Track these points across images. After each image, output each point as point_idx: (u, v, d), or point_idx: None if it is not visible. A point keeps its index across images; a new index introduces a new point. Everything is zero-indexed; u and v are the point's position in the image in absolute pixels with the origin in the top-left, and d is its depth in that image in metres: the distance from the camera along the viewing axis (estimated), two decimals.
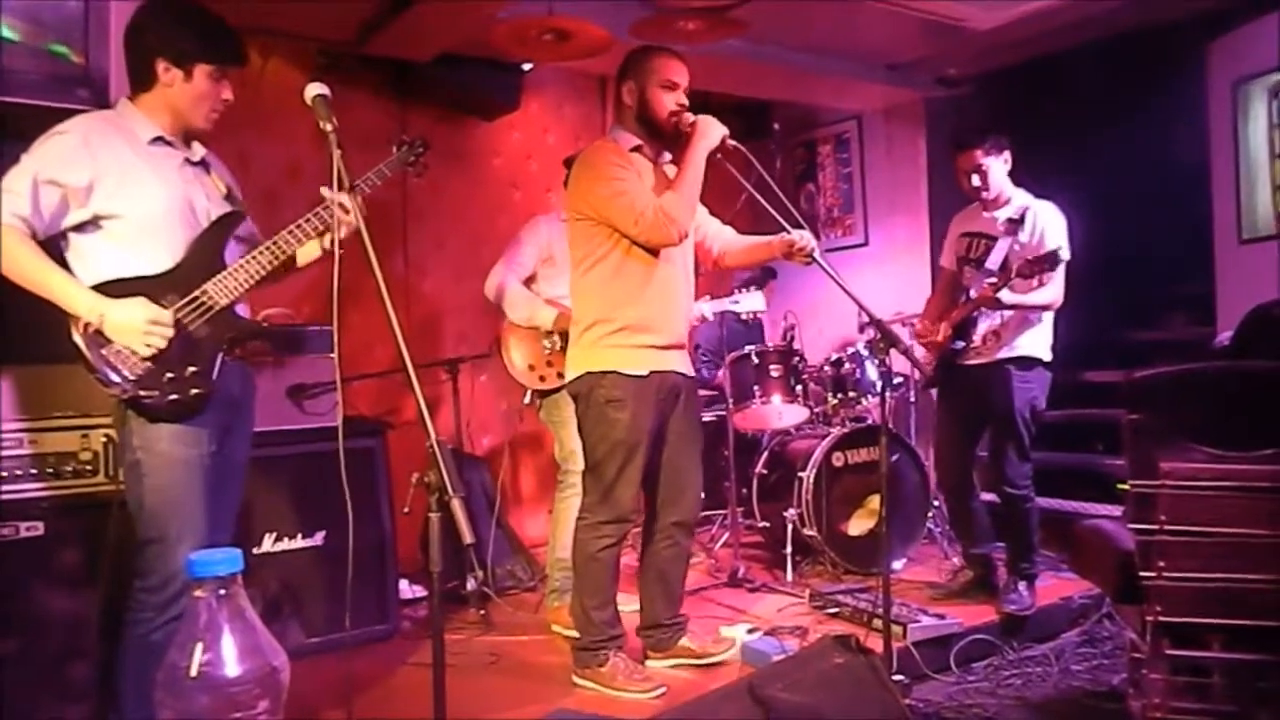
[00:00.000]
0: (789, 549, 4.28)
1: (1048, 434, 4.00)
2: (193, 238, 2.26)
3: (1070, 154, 5.33)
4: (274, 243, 2.30)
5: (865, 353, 4.58)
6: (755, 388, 4.50)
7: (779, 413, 4.60)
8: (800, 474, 4.30)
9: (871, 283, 5.46)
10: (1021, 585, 3.63)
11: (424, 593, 3.96)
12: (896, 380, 4.83)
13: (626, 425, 2.91)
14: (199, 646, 1.26)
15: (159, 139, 2.26)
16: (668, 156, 3.09)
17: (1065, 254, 3.39)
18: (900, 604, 3.42)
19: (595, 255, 2.96)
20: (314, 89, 2.00)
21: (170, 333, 2.15)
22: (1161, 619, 2.31)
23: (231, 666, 1.26)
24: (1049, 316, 3.63)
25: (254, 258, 2.28)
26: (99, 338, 2.12)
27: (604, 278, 2.96)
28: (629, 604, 3.24)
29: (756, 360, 4.53)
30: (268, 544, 3.30)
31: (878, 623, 3.02)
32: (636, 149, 3.01)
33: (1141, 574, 2.33)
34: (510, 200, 5.30)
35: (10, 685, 2.45)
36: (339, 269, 1.96)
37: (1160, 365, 2.46)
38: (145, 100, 2.26)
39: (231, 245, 2.35)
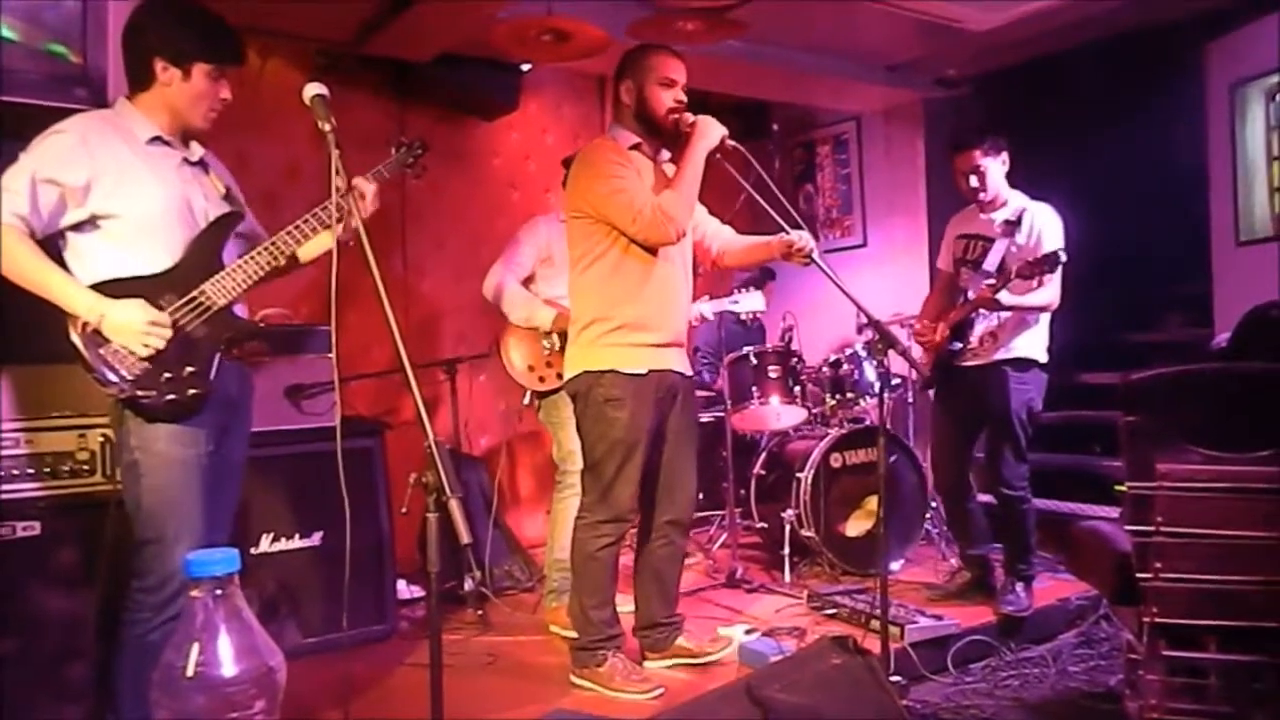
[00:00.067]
0: (787, 550, 4.28)
1: (1045, 435, 4.00)
2: (191, 238, 2.26)
3: (1068, 155, 5.33)
4: (272, 243, 2.30)
5: (863, 354, 4.58)
6: (753, 389, 4.50)
7: (777, 414, 4.60)
8: (798, 475, 4.30)
9: (870, 284, 5.46)
10: (1019, 586, 3.63)
11: (421, 593, 3.96)
12: (894, 381, 4.83)
13: (625, 424, 2.91)
14: (195, 646, 1.26)
15: (157, 139, 2.26)
16: (667, 155, 3.10)
17: (1063, 255, 3.40)
18: (898, 605, 3.42)
19: (594, 253, 2.96)
20: (313, 89, 2.00)
21: (168, 334, 2.15)
22: (1158, 620, 2.32)
23: (228, 666, 1.26)
24: (1045, 318, 3.63)
25: (252, 258, 2.28)
26: (97, 337, 2.12)
27: (602, 276, 2.96)
28: (624, 605, 3.24)
29: (755, 361, 4.53)
30: (265, 544, 3.30)
31: (875, 624, 3.02)
32: (635, 147, 3.01)
33: (1138, 575, 2.33)
34: (509, 200, 5.30)
35: (8, 685, 2.45)
36: (337, 269, 1.96)
37: (1157, 367, 2.46)
38: (143, 100, 2.26)
39: (230, 245, 2.35)
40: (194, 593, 1.29)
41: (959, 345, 3.64)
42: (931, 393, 3.92)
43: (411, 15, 3.97)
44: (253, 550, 3.25)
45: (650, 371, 2.95)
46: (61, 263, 2.16)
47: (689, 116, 2.95)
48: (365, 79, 4.71)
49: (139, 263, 2.19)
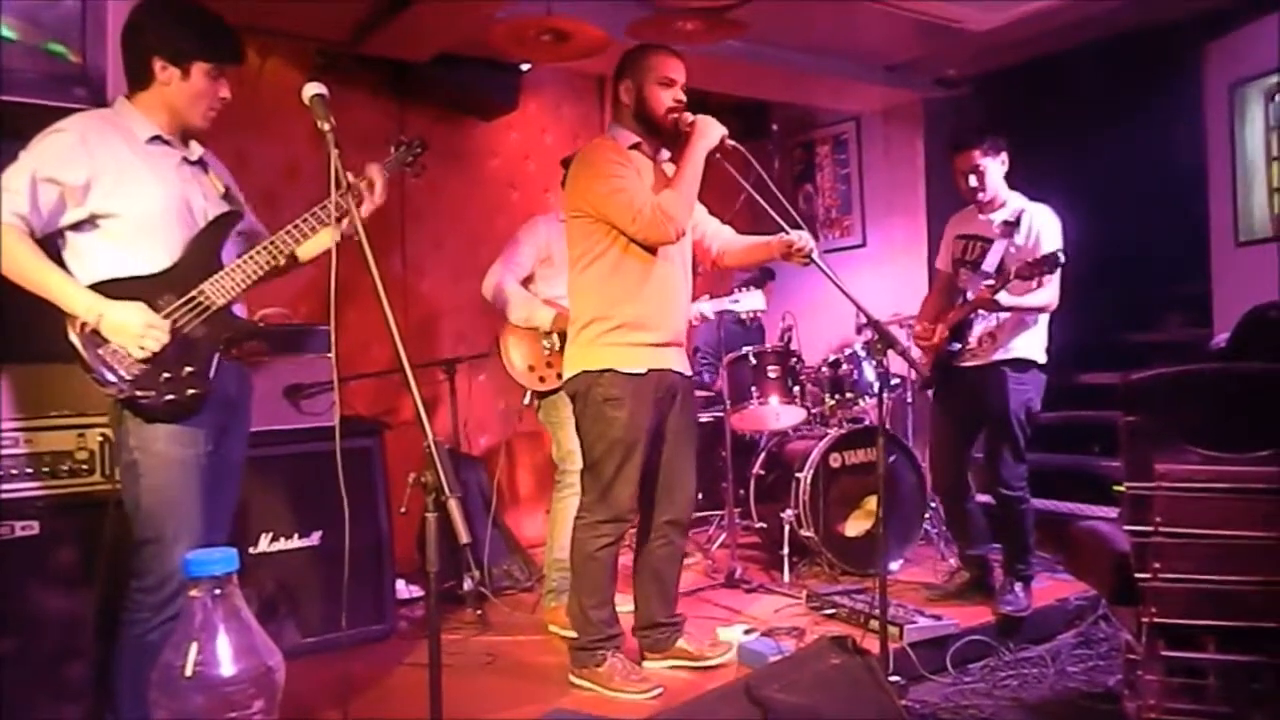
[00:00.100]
0: (786, 550, 4.28)
1: (1044, 435, 4.00)
2: (190, 237, 2.26)
3: (1068, 155, 5.33)
4: (271, 242, 2.30)
5: (863, 354, 4.58)
6: (753, 389, 4.51)
7: (776, 414, 4.60)
8: (797, 475, 4.30)
9: (869, 284, 5.46)
10: (1017, 586, 3.63)
11: (420, 593, 3.96)
12: (894, 381, 4.83)
13: (624, 424, 2.91)
14: (194, 646, 1.26)
15: (157, 138, 2.25)
16: (666, 154, 3.10)
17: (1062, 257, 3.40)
18: (897, 605, 3.42)
19: (593, 253, 2.96)
20: (312, 89, 1.99)
21: (165, 338, 2.15)
22: (1157, 620, 2.32)
23: (226, 666, 1.26)
24: (1044, 319, 3.63)
25: (251, 257, 2.28)
26: (96, 338, 2.11)
27: (602, 275, 2.96)
28: (624, 605, 3.24)
29: (754, 361, 4.53)
30: (264, 544, 3.30)
31: (874, 624, 3.02)
32: (635, 147, 3.01)
33: (1137, 575, 2.33)
34: (508, 200, 5.30)
35: (6, 685, 2.45)
36: (336, 268, 1.96)
37: (1156, 367, 2.46)
38: (143, 99, 2.26)
39: (230, 244, 2.35)
40: (192, 592, 1.29)
41: (958, 346, 3.64)
42: (930, 393, 3.92)
43: (410, 15, 3.97)
44: (252, 550, 3.25)
45: (649, 371, 2.95)
46: (60, 262, 2.16)
47: (688, 116, 2.95)
48: (364, 79, 4.71)
49: (138, 262, 2.19)
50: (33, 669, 2.49)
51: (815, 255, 2.99)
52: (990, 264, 3.58)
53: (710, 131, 2.91)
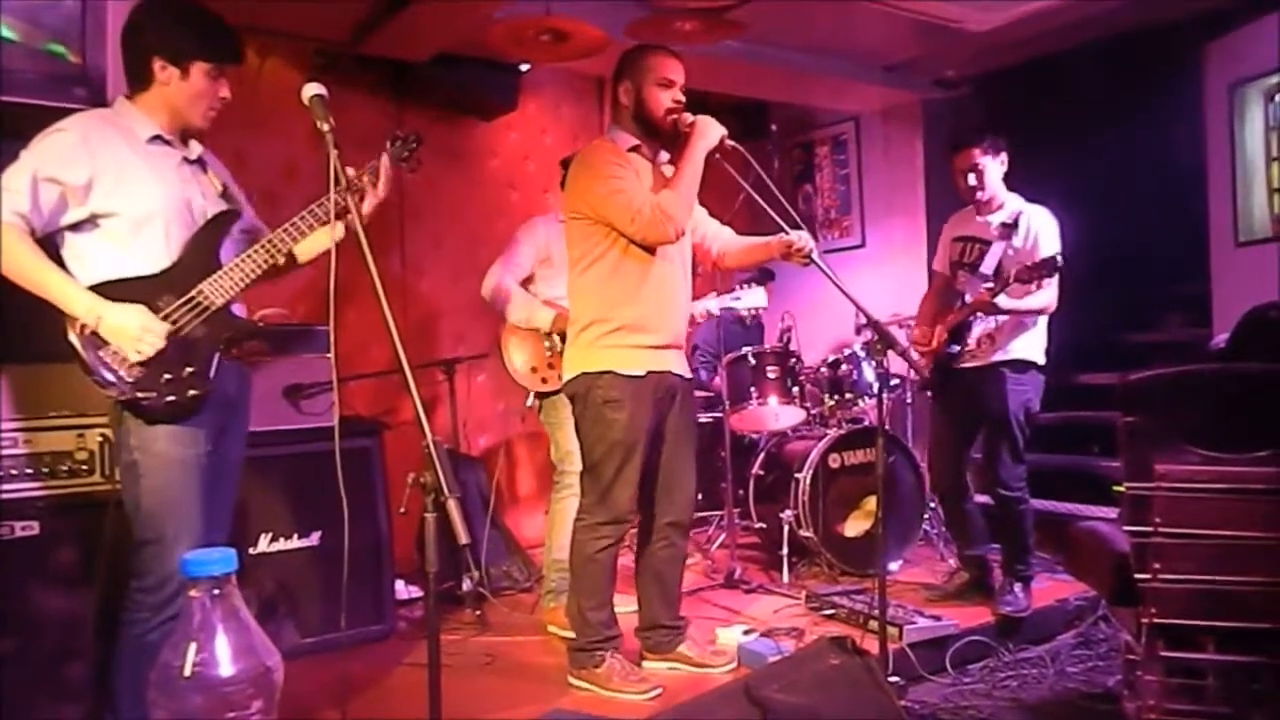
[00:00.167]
0: (785, 550, 4.28)
1: (1044, 436, 4.00)
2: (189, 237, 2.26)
3: (1068, 155, 5.34)
4: (269, 241, 2.30)
5: (862, 354, 4.58)
6: (752, 389, 4.51)
7: (776, 414, 4.60)
8: (797, 475, 4.30)
9: (868, 284, 5.46)
10: (1017, 587, 3.63)
11: (420, 593, 3.95)
12: (893, 382, 4.83)
13: (624, 426, 2.91)
14: (193, 646, 1.26)
15: (157, 138, 2.26)
16: (665, 156, 3.09)
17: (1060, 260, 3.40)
18: (896, 605, 3.42)
19: (593, 254, 2.96)
20: (311, 89, 1.99)
21: (162, 343, 2.14)
22: (1156, 621, 2.32)
23: (225, 666, 1.26)
24: (1043, 320, 3.63)
25: (249, 256, 2.28)
26: (95, 339, 2.11)
27: (601, 277, 2.96)
28: (626, 605, 3.24)
29: (753, 361, 4.53)
30: (263, 544, 3.30)
31: (874, 624, 3.02)
32: (634, 148, 3.01)
33: (1137, 576, 2.33)
34: (508, 201, 5.30)
35: (6, 685, 2.45)
36: (336, 269, 1.96)
37: (1156, 367, 2.46)
38: (143, 99, 2.26)
39: (229, 243, 2.35)
40: (191, 592, 1.29)
41: (957, 348, 3.64)
42: (930, 394, 3.92)
43: (408, 15, 3.97)
44: (251, 550, 3.25)
45: (649, 373, 2.95)
46: (60, 262, 2.16)
47: (688, 116, 2.95)
48: (363, 79, 4.71)
49: (138, 262, 2.19)
50: (33, 669, 2.49)
51: (815, 255, 2.99)
52: (988, 266, 3.58)
53: (709, 132, 2.91)
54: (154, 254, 2.20)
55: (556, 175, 3.87)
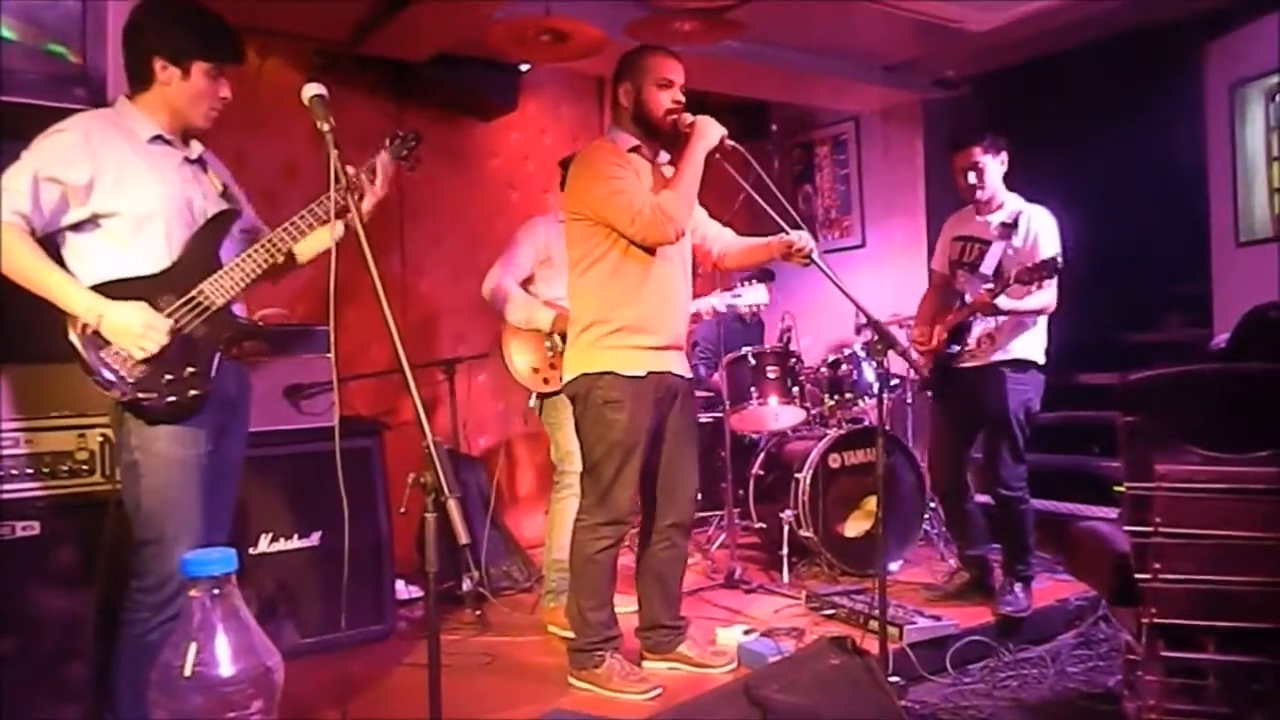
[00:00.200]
0: (785, 550, 4.28)
1: (1044, 436, 4.00)
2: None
3: (1068, 155, 5.34)
4: (269, 240, 2.30)
5: (862, 354, 4.58)
6: (752, 389, 4.51)
7: (776, 414, 4.60)
8: (797, 475, 4.30)
9: (868, 284, 5.46)
10: (1017, 587, 3.63)
11: (420, 593, 3.96)
12: (893, 382, 4.83)
13: (624, 426, 2.91)
14: (193, 646, 1.26)
15: (158, 137, 2.26)
16: (665, 157, 3.09)
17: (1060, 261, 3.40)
18: (896, 605, 3.42)
19: (593, 255, 2.96)
20: (311, 89, 1.99)
21: (165, 339, 2.14)
22: (1157, 621, 2.32)
23: (225, 666, 1.26)
24: (1043, 320, 3.63)
25: (249, 256, 2.28)
26: (96, 339, 2.11)
27: (601, 278, 2.96)
28: (627, 605, 3.24)
29: (753, 361, 4.53)
30: (264, 544, 3.30)
31: (874, 624, 3.02)
32: (634, 149, 3.01)
33: (1137, 576, 2.33)
34: (508, 201, 5.30)
35: (6, 685, 2.45)
36: (336, 269, 1.96)
37: (1156, 367, 2.46)
38: (143, 99, 2.26)
39: (230, 243, 2.35)
40: (191, 592, 1.29)
41: (957, 348, 3.64)
42: (930, 394, 3.92)
43: (408, 15, 3.97)
44: (251, 550, 3.25)
45: (649, 374, 2.94)
46: (60, 262, 2.16)
47: (688, 117, 2.95)
48: (363, 79, 4.71)
49: (138, 262, 2.19)
50: (33, 669, 2.49)
51: (815, 255, 2.99)
52: (988, 266, 3.58)
53: (709, 132, 2.91)
54: (155, 254, 2.20)
55: (556, 175, 3.87)
